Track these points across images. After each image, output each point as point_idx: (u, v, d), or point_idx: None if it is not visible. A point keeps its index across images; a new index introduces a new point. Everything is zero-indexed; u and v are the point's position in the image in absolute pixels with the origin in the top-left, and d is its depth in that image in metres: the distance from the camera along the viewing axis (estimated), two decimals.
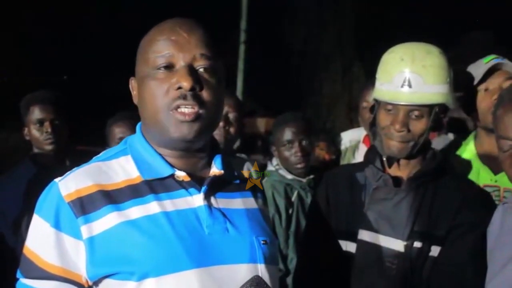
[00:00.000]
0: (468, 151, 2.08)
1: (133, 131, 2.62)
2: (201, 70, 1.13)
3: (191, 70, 1.11)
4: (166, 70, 1.12)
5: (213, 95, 1.14)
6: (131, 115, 2.62)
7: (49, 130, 2.46)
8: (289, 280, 2.37)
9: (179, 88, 1.10)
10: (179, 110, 1.11)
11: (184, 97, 1.10)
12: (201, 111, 1.12)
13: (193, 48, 1.13)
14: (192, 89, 1.10)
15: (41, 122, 2.48)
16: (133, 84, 1.22)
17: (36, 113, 2.48)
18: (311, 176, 2.58)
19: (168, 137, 1.14)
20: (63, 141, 2.53)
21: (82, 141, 3.34)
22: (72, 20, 11.01)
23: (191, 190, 1.15)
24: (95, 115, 2.68)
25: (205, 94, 1.13)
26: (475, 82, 1.99)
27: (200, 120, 1.12)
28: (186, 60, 1.12)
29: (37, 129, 2.48)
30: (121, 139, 2.51)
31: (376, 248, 1.66)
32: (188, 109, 1.11)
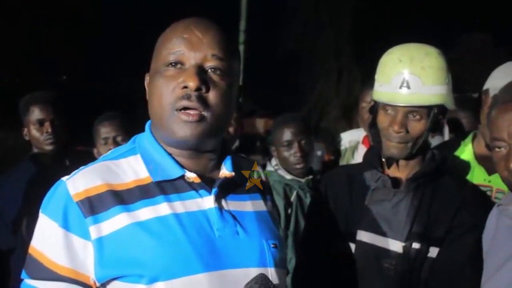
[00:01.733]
0: (466, 150, 2.08)
1: (118, 131, 2.61)
2: (211, 71, 1.11)
3: (200, 70, 1.09)
4: (176, 68, 1.10)
5: (221, 98, 1.11)
6: (117, 115, 2.60)
7: (49, 130, 2.46)
8: (287, 280, 2.37)
9: (185, 87, 1.08)
10: (183, 110, 1.08)
11: (188, 97, 1.08)
12: (205, 113, 1.09)
13: (205, 48, 1.10)
14: (197, 89, 1.08)
15: (41, 123, 2.48)
16: (147, 80, 1.19)
17: (36, 113, 2.48)
18: (310, 177, 2.58)
19: (171, 136, 1.11)
20: (63, 141, 2.53)
21: (82, 142, 3.34)
22: (71, 20, 11.01)
23: (202, 191, 1.13)
24: (95, 116, 2.67)
25: (211, 96, 1.10)
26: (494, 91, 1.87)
27: (204, 122, 1.09)
28: (197, 59, 1.10)
29: (37, 129, 2.48)
30: (105, 139, 2.51)
31: (375, 249, 1.66)
32: (192, 110, 1.08)
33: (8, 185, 2.42)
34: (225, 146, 1.24)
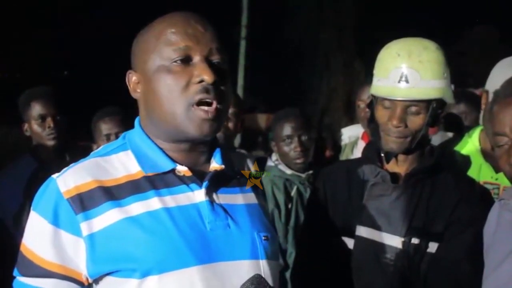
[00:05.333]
0: (472, 145, 2.05)
1: (120, 127, 2.61)
2: (217, 64, 1.12)
3: (210, 64, 1.10)
4: (182, 64, 1.10)
5: (229, 89, 1.14)
6: (117, 111, 2.60)
7: (52, 125, 2.47)
8: (288, 274, 2.38)
9: (200, 81, 1.08)
10: (200, 106, 1.09)
11: (207, 91, 1.08)
12: (219, 106, 1.10)
13: (209, 42, 1.11)
14: (214, 82, 1.08)
15: (43, 118, 2.48)
16: (130, 77, 1.17)
17: (37, 108, 2.48)
18: (310, 172, 2.59)
19: (185, 134, 1.11)
20: (64, 136, 2.54)
21: (83, 137, 3.35)
22: (72, 16, 10.99)
23: (192, 185, 1.14)
24: (96, 111, 2.67)
25: (224, 89, 1.12)
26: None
27: (220, 116, 1.11)
28: (203, 53, 1.10)
29: (39, 125, 2.48)
30: (107, 135, 2.51)
31: (374, 244, 1.67)
32: (209, 106, 1.09)
33: (9, 180, 2.42)
34: (214, 140, 1.24)
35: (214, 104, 1.09)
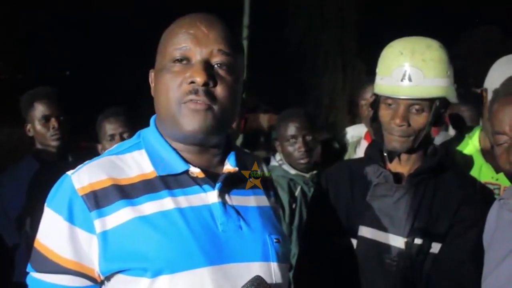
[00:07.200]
0: (472, 146, 2.06)
1: (124, 127, 2.62)
2: (218, 66, 1.12)
3: (206, 65, 1.10)
4: (182, 64, 1.12)
5: (227, 92, 1.12)
6: (122, 111, 2.61)
7: (56, 126, 2.46)
8: (290, 275, 2.37)
9: (192, 82, 1.09)
10: (190, 102, 1.10)
11: (196, 92, 1.09)
12: (213, 106, 1.10)
13: (211, 43, 1.12)
14: (205, 84, 1.09)
15: (46, 118, 2.47)
16: (152, 76, 1.20)
17: (41, 109, 2.48)
18: (314, 172, 2.59)
19: (179, 130, 1.12)
20: (67, 137, 2.54)
21: (86, 137, 3.35)
22: (73, 16, 11.01)
23: (205, 186, 1.15)
24: (99, 111, 2.67)
25: (218, 90, 1.11)
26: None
27: (211, 111, 1.10)
28: (203, 55, 1.11)
29: (43, 125, 2.48)
30: (112, 136, 2.51)
31: (377, 245, 1.66)
32: (199, 102, 1.10)
33: (12, 181, 2.42)
34: (230, 142, 1.25)
35: (203, 102, 1.10)
